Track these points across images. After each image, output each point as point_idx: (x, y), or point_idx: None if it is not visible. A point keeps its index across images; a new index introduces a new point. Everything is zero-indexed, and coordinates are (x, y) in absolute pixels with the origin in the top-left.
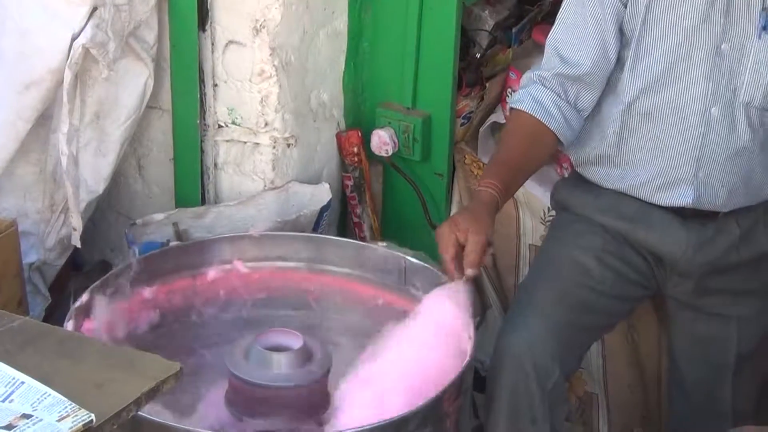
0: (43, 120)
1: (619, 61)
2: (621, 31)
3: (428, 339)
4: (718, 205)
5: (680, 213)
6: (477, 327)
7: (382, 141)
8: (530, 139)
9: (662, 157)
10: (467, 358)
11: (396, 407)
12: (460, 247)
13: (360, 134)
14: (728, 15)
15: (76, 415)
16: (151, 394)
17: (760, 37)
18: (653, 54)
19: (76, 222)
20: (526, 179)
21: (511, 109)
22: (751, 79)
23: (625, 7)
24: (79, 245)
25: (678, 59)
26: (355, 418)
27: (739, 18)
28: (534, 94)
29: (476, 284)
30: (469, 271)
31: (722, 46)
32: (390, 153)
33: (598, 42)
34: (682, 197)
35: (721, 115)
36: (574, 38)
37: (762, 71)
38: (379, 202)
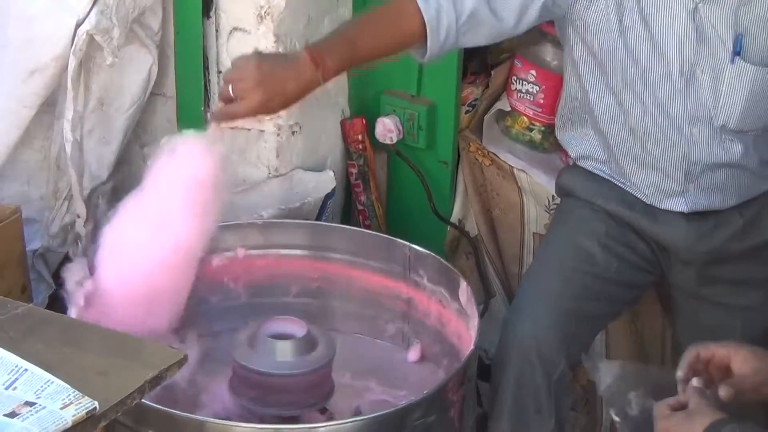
0: (47, 107)
1: (595, 73)
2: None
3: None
4: (714, 206)
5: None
6: (481, 315)
7: (386, 128)
8: (384, 12)
9: (653, 170)
10: (471, 347)
11: None
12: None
13: (364, 122)
14: (702, 41)
15: (80, 403)
16: (155, 382)
17: (733, 62)
18: (631, 71)
19: (81, 209)
20: (368, 54)
21: None
22: (725, 104)
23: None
24: (84, 232)
25: (656, 82)
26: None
27: (713, 44)
28: None
29: (480, 273)
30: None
31: (697, 72)
32: (395, 140)
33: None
34: (677, 205)
35: (702, 134)
36: None
37: (736, 97)
38: (384, 189)
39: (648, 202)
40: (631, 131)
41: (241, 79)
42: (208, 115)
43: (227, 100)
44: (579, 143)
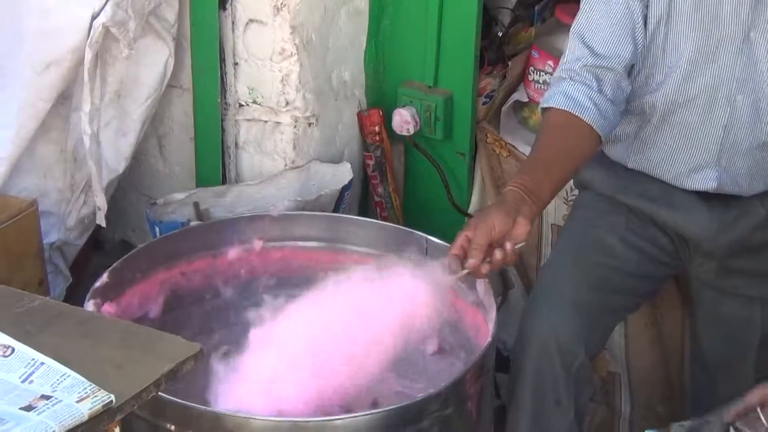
0: (64, 99)
1: (647, 48)
2: (644, 19)
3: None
4: (740, 191)
5: (703, 195)
6: (499, 307)
7: (403, 120)
8: (562, 131)
9: (687, 141)
10: (489, 339)
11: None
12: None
13: (381, 113)
14: (756, 3)
15: (96, 396)
16: (171, 375)
17: None
18: (682, 42)
19: (101, 201)
20: (568, 174)
21: (542, 110)
22: None
23: None
24: (104, 224)
25: (707, 47)
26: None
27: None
28: (564, 90)
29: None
30: (470, 261)
31: (751, 34)
32: (412, 132)
33: (629, 32)
34: (704, 182)
35: (745, 103)
36: (603, 27)
37: None
38: (401, 181)
39: (674, 183)
40: (675, 100)
41: (467, 226)
42: (461, 269)
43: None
44: None
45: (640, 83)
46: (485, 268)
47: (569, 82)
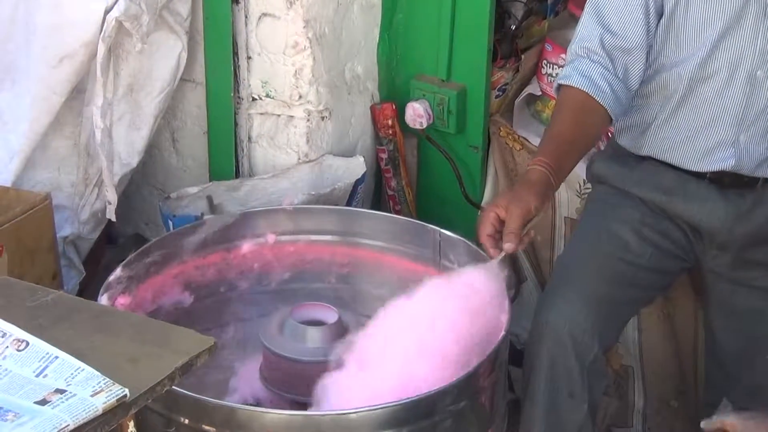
0: (77, 93)
1: (664, 28)
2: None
3: (457, 316)
4: (758, 172)
5: (718, 182)
6: (512, 300)
7: (416, 113)
8: (580, 113)
9: (705, 119)
10: (502, 332)
11: (418, 384)
12: (501, 224)
13: (394, 107)
14: None
15: (110, 390)
16: (186, 369)
17: None
18: (701, 16)
19: (112, 195)
20: (581, 155)
21: (559, 85)
22: None
23: None
24: (114, 219)
25: (727, 22)
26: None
27: None
28: (582, 69)
29: (511, 257)
30: (506, 245)
31: None
32: (425, 126)
33: (643, 12)
34: (722, 161)
35: (766, 77)
36: (619, 6)
37: None
38: (414, 175)
39: (688, 167)
40: (693, 77)
41: (497, 206)
42: (499, 253)
43: (495, 232)
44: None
45: (661, 61)
46: (521, 246)
47: (587, 61)
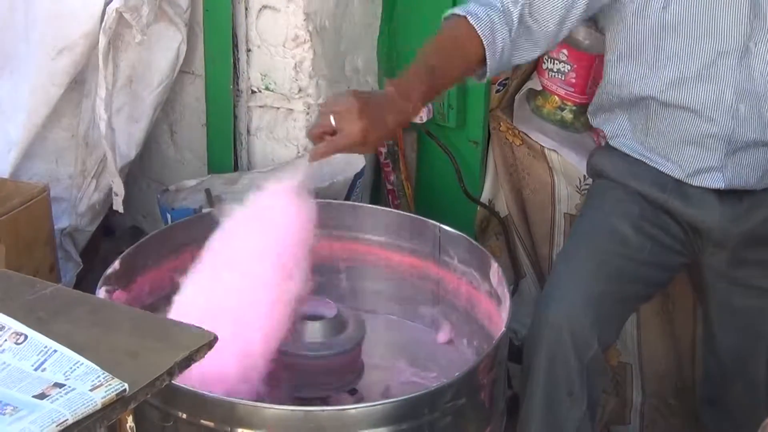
0: (76, 84)
1: (642, 56)
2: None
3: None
4: (749, 187)
5: (714, 189)
6: (511, 296)
7: None
8: (450, 38)
9: (691, 147)
10: (502, 329)
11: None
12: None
13: None
14: (756, 14)
15: (109, 385)
16: (185, 364)
17: None
18: (680, 51)
19: (118, 187)
20: (445, 82)
21: (444, 19)
22: None
23: None
24: (122, 210)
25: (706, 57)
26: None
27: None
28: (469, 6)
29: (511, 254)
30: (311, 153)
31: (750, 45)
32: (425, 120)
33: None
34: (712, 182)
35: (749, 111)
36: None
37: None
38: (413, 169)
39: (683, 179)
40: (676, 108)
41: (341, 110)
42: (306, 152)
43: (326, 132)
44: (612, 123)
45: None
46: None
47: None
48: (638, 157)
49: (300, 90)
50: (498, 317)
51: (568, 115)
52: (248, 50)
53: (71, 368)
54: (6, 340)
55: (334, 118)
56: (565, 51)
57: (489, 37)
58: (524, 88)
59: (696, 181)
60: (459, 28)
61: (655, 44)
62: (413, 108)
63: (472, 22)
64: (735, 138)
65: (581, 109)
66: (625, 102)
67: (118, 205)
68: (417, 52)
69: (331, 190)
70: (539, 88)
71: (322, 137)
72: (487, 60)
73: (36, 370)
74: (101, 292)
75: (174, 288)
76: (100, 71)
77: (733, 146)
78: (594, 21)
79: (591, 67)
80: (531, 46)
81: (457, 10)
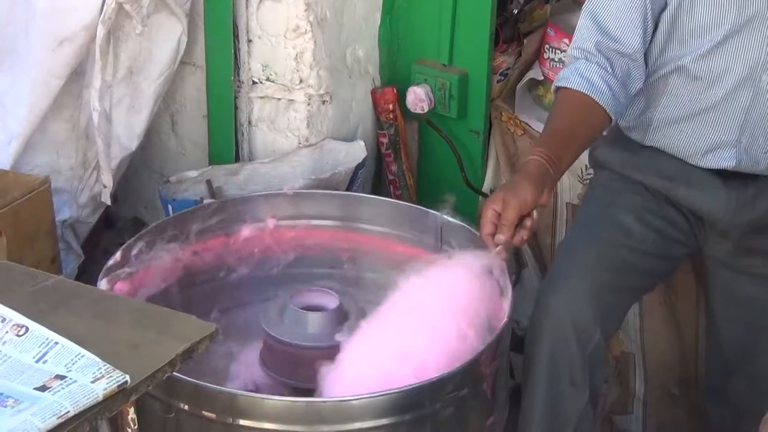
0: (76, 76)
1: (668, 26)
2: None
3: (458, 300)
4: (758, 170)
5: (721, 173)
6: (513, 286)
7: (417, 98)
8: (580, 109)
9: (707, 120)
10: (505, 319)
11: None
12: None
13: (395, 91)
14: None
15: (111, 376)
16: (187, 355)
17: None
18: (705, 20)
19: (107, 179)
20: (581, 148)
21: (558, 88)
22: None
23: None
24: (109, 203)
25: (732, 25)
26: (354, 383)
27: None
28: (580, 70)
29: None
30: (498, 237)
31: None
32: (426, 110)
33: (641, 15)
34: (722, 160)
35: None
36: (615, 10)
37: None
38: (415, 159)
39: (690, 161)
40: (696, 78)
41: (494, 200)
42: (496, 246)
43: (494, 223)
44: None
45: (662, 60)
46: (518, 239)
47: (585, 62)
48: (647, 142)
49: (301, 80)
50: (500, 308)
51: None
52: (249, 41)
53: (72, 360)
54: (7, 332)
55: (495, 210)
56: (566, 40)
57: (614, 105)
58: (525, 78)
59: (705, 162)
60: (583, 102)
61: (688, 16)
62: (556, 175)
63: (592, 95)
64: (752, 111)
65: None
66: (647, 81)
67: (106, 198)
68: (547, 123)
69: (332, 181)
70: (541, 77)
71: (494, 228)
72: (613, 118)
73: (37, 362)
74: (103, 284)
75: (176, 280)
76: (96, 62)
77: (749, 122)
78: None
79: None
80: (636, 71)
81: (569, 84)
